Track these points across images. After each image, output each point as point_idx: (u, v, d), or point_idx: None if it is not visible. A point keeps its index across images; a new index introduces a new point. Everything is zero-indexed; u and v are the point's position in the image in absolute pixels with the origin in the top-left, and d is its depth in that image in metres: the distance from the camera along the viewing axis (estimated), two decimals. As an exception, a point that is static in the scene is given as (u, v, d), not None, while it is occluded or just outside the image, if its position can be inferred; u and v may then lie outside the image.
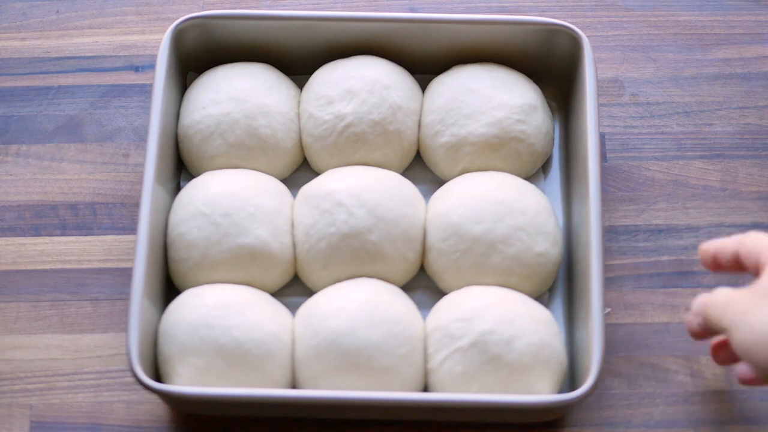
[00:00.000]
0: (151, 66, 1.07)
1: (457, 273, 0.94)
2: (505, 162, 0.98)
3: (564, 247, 0.97)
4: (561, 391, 0.92)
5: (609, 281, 0.98)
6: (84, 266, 0.99)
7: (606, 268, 0.98)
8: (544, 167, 1.01)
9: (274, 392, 0.88)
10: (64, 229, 1.00)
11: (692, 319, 0.86)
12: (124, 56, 1.08)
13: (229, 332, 0.90)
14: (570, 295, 0.96)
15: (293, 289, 0.97)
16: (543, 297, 0.96)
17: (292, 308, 0.95)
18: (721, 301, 0.81)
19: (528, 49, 1.01)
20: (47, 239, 1.00)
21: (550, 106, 1.03)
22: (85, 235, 1.00)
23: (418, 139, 1.01)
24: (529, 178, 1.00)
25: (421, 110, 1.01)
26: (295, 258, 0.96)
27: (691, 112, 1.06)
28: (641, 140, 1.04)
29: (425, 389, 0.92)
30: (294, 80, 1.03)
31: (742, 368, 0.88)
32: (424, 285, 0.97)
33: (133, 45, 1.09)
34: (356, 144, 0.98)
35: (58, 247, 1.00)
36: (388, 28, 1.01)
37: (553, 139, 1.01)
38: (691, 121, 1.05)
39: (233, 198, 0.95)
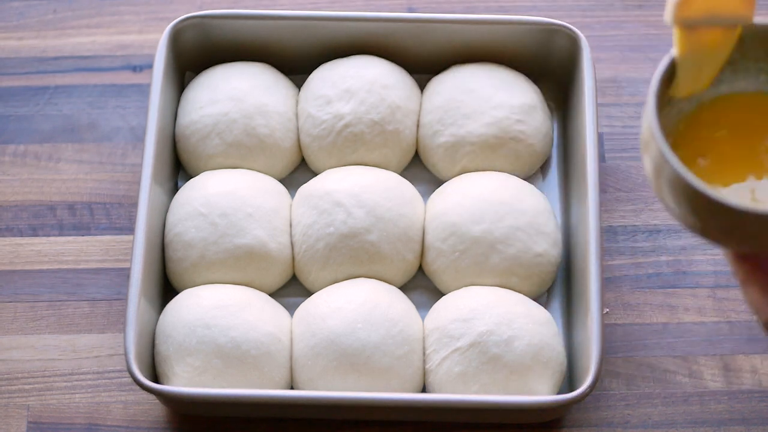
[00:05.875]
0: (149, 66, 1.07)
1: (455, 273, 0.94)
2: (504, 162, 0.98)
3: (563, 247, 0.97)
4: (560, 391, 0.92)
5: (608, 281, 0.98)
6: (81, 266, 0.99)
7: (604, 268, 0.98)
8: (543, 167, 1.01)
9: (271, 393, 0.88)
10: (61, 230, 1.00)
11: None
12: (122, 56, 1.08)
13: (226, 333, 0.89)
14: (568, 295, 0.96)
15: (291, 289, 0.97)
16: (541, 297, 0.96)
17: (291, 309, 0.95)
18: None
19: (526, 49, 1.01)
20: (44, 239, 1.00)
21: (548, 106, 1.03)
22: (83, 236, 1.00)
23: (417, 139, 1.00)
24: (528, 178, 1.00)
25: (419, 110, 1.01)
26: (293, 258, 0.96)
27: (689, 112, 1.06)
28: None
29: (424, 390, 0.92)
30: (292, 80, 1.03)
31: None
32: (422, 285, 0.97)
33: (130, 45, 1.09)
34: (355, 144, 0.98)
35: (55, 247, 0.99)
36: (386, 28, 1.01)
37: (552, 140, 1.01)
38: (690, 121, 1.05)
39: (231, 198, 0.94)
